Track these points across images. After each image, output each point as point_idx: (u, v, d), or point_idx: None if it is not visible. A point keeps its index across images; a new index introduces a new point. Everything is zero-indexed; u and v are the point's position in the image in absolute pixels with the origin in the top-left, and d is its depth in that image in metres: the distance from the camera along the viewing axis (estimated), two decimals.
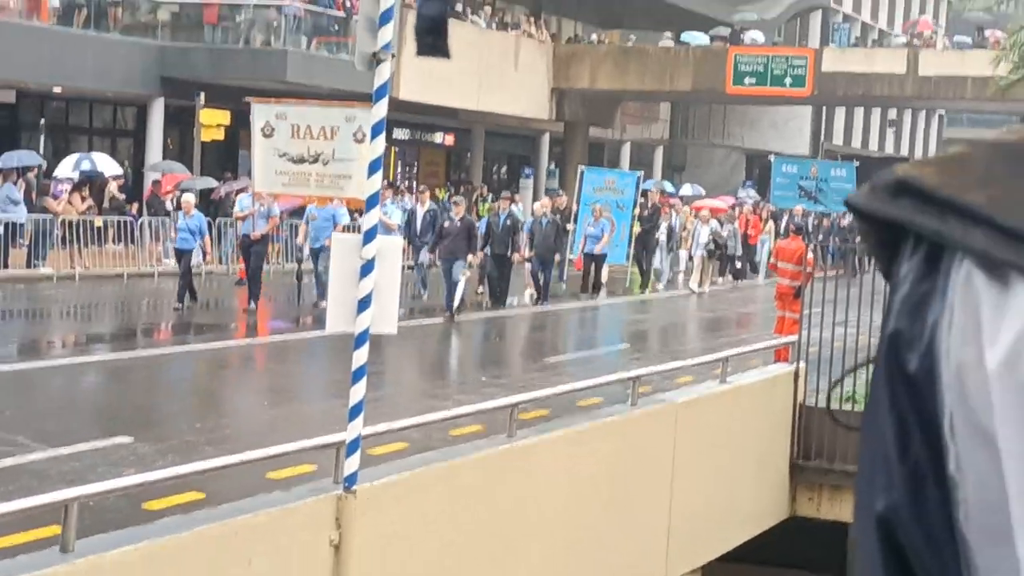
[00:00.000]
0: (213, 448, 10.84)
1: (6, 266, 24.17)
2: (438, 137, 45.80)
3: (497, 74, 39.59)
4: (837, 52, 45.01)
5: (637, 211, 30.53)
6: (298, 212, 26.07)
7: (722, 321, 25.79)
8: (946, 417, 0.79)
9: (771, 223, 37.06)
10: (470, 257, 22.13)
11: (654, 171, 54.01)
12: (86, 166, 29.53)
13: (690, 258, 31.46)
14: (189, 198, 23.14)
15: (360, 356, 7.78)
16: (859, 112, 69.04)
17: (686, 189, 47.20)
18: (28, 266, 24.27)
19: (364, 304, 7.77)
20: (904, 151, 75.57)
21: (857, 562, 0.86)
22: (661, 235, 31.87)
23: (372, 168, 8.05)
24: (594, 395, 13.64)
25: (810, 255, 18.29)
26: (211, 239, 23.39)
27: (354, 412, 7.79)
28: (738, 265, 34.61)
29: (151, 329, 20.52)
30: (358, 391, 7.78)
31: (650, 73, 43.03)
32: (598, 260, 27.89)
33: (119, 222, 26.86)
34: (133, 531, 6.84)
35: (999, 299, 0.78)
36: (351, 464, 7.83)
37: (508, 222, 24.51)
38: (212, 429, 12.12)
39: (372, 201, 8.05)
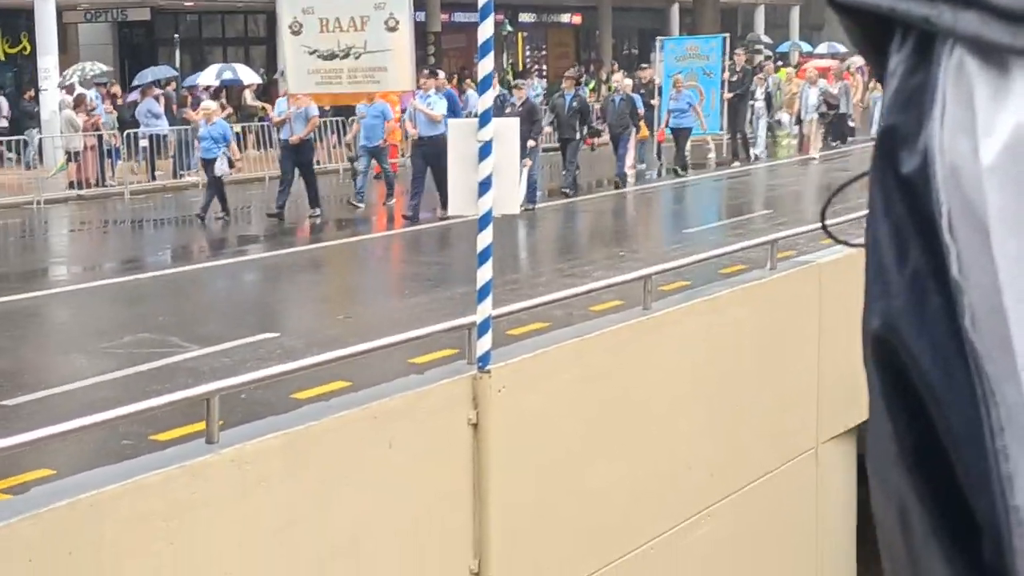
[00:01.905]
0: (358, 338, 11.08)
1: (154, 177, 24.80)
2: (565, 17, 45.39)
3: None
4: None
5: (725, 76, 28.40)
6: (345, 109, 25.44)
7: (832, 188, 24.97)
8: (944, 216, 0.73)
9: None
10: (529, 143, 20.57)
11: (790, 32, 52.89)
12: (228, 75, 30.07)
13: (799, 121, 29.56)
14: (209, 104, 22.15)
15: (485, 238, 7.88)
16: None
17: (822, 48, 46.08)
18: (174, 176, 24.86)
19: (485, 187, 7.85)
20: None
21: (868, 408, 0.82)
22: (759, 102, 29.39)
23: (483, 50, 8.08)
24: (730, 262, 13.57)
25: None
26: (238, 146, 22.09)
27: (483, 293, 7.92)
28: (851, 124, 32.56)
29: (291, 230, 20.64)
30: (485, 272, 7.89)
31: None
32: (682, 134, 25.91)
33: (257, 128, 27.27)
34: (275, 419, 7.07)
35: (995, 87, 0.71)
36: (483, 344, 7.97)
37: (575, 104, 23.18)
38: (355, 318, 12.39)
39: (485, 84, 8.10)
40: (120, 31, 34.52)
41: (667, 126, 25.70)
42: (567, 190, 22.23)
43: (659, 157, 26.24)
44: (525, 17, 41.49)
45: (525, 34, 42.11)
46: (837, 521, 13.14)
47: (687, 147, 26.21)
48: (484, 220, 7.87)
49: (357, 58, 19.15)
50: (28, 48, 30.62)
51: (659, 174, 25.45)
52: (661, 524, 10.08)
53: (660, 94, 26.60)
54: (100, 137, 24.09)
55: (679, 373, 10.25)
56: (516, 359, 8.39)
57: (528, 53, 42.96)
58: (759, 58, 40.94)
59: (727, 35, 29.85)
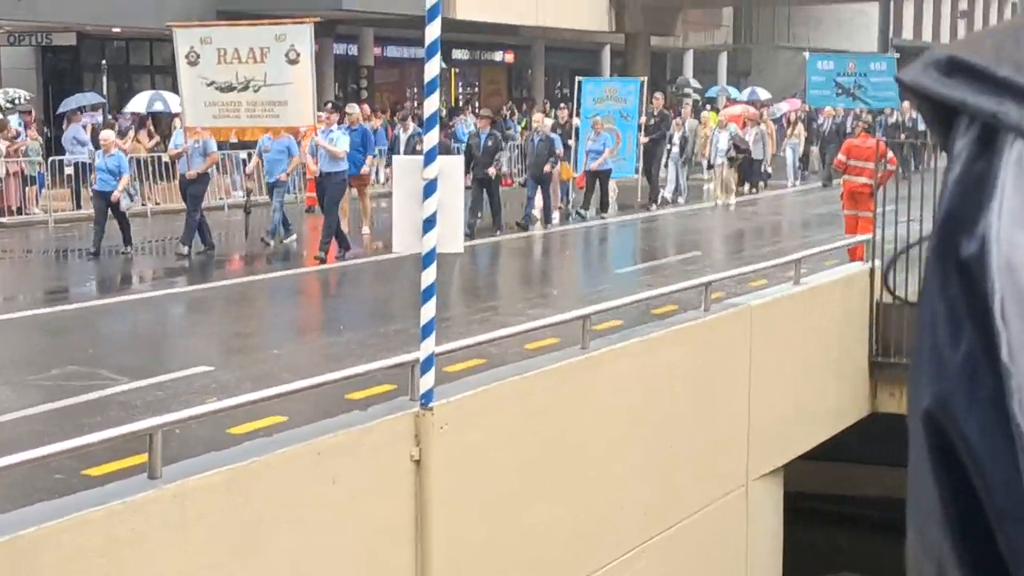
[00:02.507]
0: (291, 373, 11.01)
1: (79, 206, 24.48)
2: (498, 55, 45.64)
3: None
4: None
5: (643, 120, 27.69)
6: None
7: (746, 233, 24.32)
8: (997, 302, 0.76)
9: (800, 126, 34.74)
10: (491, 171, 20.50)
11: (719, 77, 53.50)
12: (158, 106, 29.80)
13: (709, 167, 29.10)
14: (108, 134, 20.68)
15: (429, 275, 7.87)
16: (928, 4, 67.88)
17: (744, 95, 46.60)
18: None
19: (429, 224, 7.84)
20: None
21: (909, 465, 0.83)
22: (674, 146, 28.82)
23: (429, 89, 8.08)
24: (662, 303, 13.64)
25: (891, 154, 18.02)
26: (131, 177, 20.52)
27: (426, 330, 7.90)
28: (769, 171, 32.21)
29: (221, 261, 20.28)
30: (429, 309, 7.88)
31: None
32: (602, 176, 25.34)
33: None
34: (218, 455, 7.00)
35: None
36: (426, 381, 7.95)
37: (489, 143, 22.58)
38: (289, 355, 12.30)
39: (431, 123, 8.10)
40: (44, 55, 34.18)
41: (587, 169, 25.20)
42: (468, 228, 20.95)
43: (568, 200, 25.73)
44: (459, 54, 41.67)
45: (458, 71, 42.27)
46: (765, 556, 13.28)
47: (610, 188, 26.05)
48: (428, 257, 7.86)
49: (256, 91, 18.59)
50: None
51: (568, 216, 24.85)
52: (598, 560, 10.11)
53: (577, 135, 26.01)
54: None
55: (616, 412, 10.30)
56: (458, 396, 8.38)
57: (461, 90, 43.11)
58: (688, 102, 41.33)
59: (644, 78, 29.32)
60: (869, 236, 15.48)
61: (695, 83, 50.59)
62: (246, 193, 22.42)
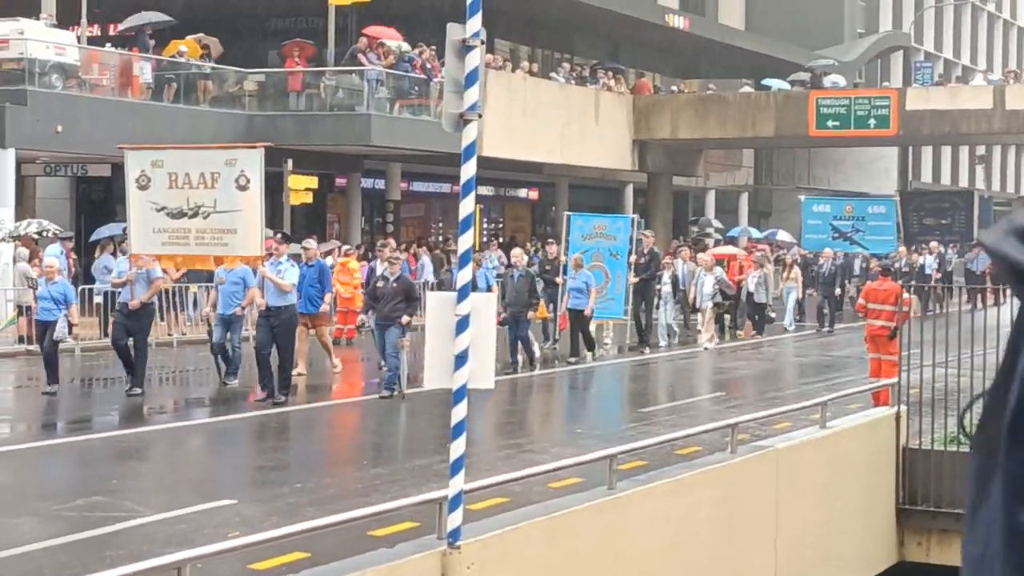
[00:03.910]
0: (315, 509, 10.95)
1: (106, 334, 24.55)
2: (522, 192, 46.06)
3: (579, 128, 39.74)
4: (921, 91, 44.67)
5: (633, 259, 26.44)
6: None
7: (747, 378, 23.25)
8: None
9: (797, 270, 33.21)
10: (405, 319, 18.43)
11: (740, 218, 53.85)
12: None
13: (695, 310, 28.15)
14: (52, 262, 19.46)
15: (460, 411, 7.85)
16: (947, 149, 68.43)
17: (765, 235, 46.82)
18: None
19: (461, 360, 7.85)
20: (995, 187, 74.74)
21: None
22: (666, 286, 27.65)
23: (464, 225, 8.14)
24: (684, 444, 13.55)
25: (906, 296, 18.06)
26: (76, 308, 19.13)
27: (455, 467, 7.86)
28: (772, 315, 30.59)
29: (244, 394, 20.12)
30: (458, 446, 7.85)
31: (731, 120, 42.97)
32: (581, 316, 23.66)
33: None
34: None
35: None
36: (454, 519, 7.89)
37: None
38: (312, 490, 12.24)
39: (465, 259, 8.14)
40: (79, 186, 34.59)
41: (567, 307, 24.01)
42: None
43: (554, 340, 25.07)
44: (484, 190, 42.04)
45: (483, 207, 42.61)
46: None
47: (605, 329, 25.31)
48: (459, 393, 7.86)
49: (206, 218, 17.81)
50: None
51: (554, 360, 24.03)
52: None
53: (565, 272, 24.92)
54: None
55: (643, 553, 10.20)
56: (486, 535, 8.32)
57: (485, 225, 43.44)
58: (710, 242, 41.47)
59: (635, 216, 28.51)
60: (894, 380, 15.43)
61: (717, 223, 50.89)
62: (209, 333, 20.75)
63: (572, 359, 23.55)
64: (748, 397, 19.87)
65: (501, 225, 45.41)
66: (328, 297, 20.68)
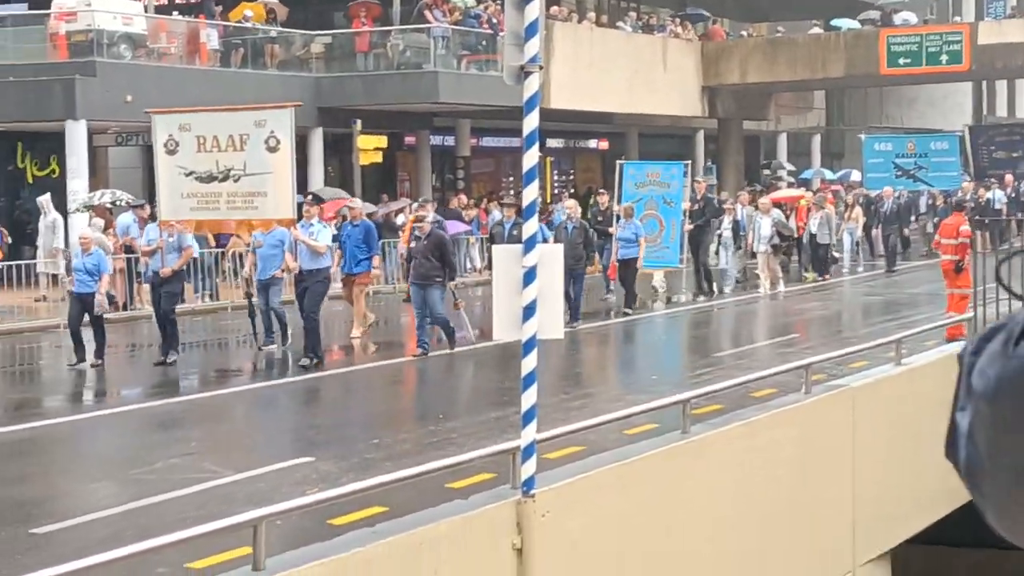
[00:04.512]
0: (392, 463, 11.06)
1: (183, 300, 24.83)
2: (592, 143, 45.89)
3: (647, 76, 39.50)
4: (993, 24, 43.90)
5: (686, 206, 26.04)
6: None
7: (797, 325, 22.42)
8: None
9: (858, 209, 32.51)
10: (451, 285, 18.18)
11: (812, 160, 53.34)
12: None
13: (752, 255, 27.12)
14: (87, 233, 19.34)
15: (529, 362, 7.88)
16: (1022, 83, 67.26)
17: (838, 176, 46.26)
18: (209, 299, 24.84)
19: (529, 312, 7.87)
20: None
21: None
22: (725, 231, 27.09)
23: (528, 178, 8.14)
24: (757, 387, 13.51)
25: (966, 227, 18.03)
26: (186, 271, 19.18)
27: (527, 418, 7.90)
28: (835, 255, 30.15)
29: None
30: (530, 397, 7.88)
31: (801, 62, 42.48)
32: (629, 265, 23.36)
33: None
34: (321, 547, 7.02)
35: None
36: (528, 469, 7.94)
37: (515, 232, 20.17)
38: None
39: (530, 211, 8.14)
40: (149, 155, 34.88)
41: (616, 258, 23.65)
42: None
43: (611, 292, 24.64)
44: (553, 142, 41.95)
45: (553, 159, 42.52)
46: None
47: (658, 279, 24.94)
48: (528, 345, 7.88)
49: (236, 181, 17.45)
50: (57, 171, 30.96)
51: (611, 313, 23.51)
52: None
53: (618, 222, 24.37)
54: (129, 260, 24.19)
55: (718, 496, 10.20)
56: (559, 483, 8.36)
57: (556, 177, 43.36)
58: (782, 185, 41.04)
59: (688, 162, 27.80)
60: (969, 315, 15.30)
61: (789, 166, 50.46)
62: (247, 296, 20.38)
63: (627, 310, 23.16)
64: (820, 338, 19.74)
65: (572, 177, 45.30)
66: (376, 260, 20.26)
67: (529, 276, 7.89)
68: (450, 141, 39.61)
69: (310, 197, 19.07)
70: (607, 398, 14.42)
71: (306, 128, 33.60)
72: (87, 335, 17.76)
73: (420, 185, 37.94)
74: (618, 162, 27.18)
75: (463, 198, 34.70)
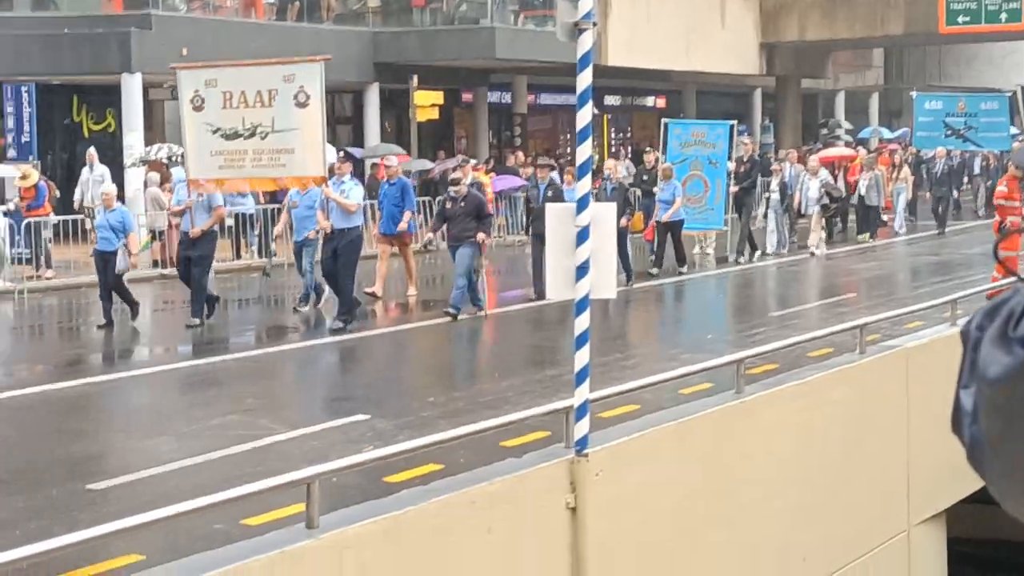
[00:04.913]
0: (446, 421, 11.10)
1: (238, 256, 24.97)
2: (649, 100, 45.66)
3: (704, 33, 39.23)
4: None
5: (731, 166, 25.43)
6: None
7: (847, 285, 22.11)
8: None
9: (906, 169, 31.96)
10: (481, 236, 17.93)
11: (870, 118, 52.87)
12: None
13: (800, 216, 26.71)
14: (110, 189, 18.86)
15: (582, 322, 7.88)
16: None
17: (888, 134, 45.73)
18: (260, 255, 24.94)
19: (582, 271, 7.86)
20: None
21: None
22: (773, 192, 26.33)
23: (582, 136, 8.11)
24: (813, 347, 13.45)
25: (1002, 188, 17.95)
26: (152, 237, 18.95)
27: (580, 377, 7.90)
28: (885, 218, 29.76)
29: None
30: (583, 356, 7.88)
31: (860, 20, 42.02)
32: (673, 229, 22.97)
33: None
34: (375, 504, 7.06)
35: None
36: (581, 428, 7.94)
37: (549, 193, 20.07)
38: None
39: (584, 169, 8.11)
40: None
41: (656, 220, 23.13)
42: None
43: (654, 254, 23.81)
44: (611, 100, 41.80)
45: (610, 116, 42.36)
46: None
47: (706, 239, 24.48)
48: (581, 304, 7.87)
49: (263, 138, 16.97)
50: (113, 125, 31.13)
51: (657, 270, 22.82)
52: None
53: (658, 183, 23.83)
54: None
55: (773, 456, 10.18)
56: (613, 442, 8.36)
57: (613, 135, 43.20)
58: (840, 144, 40.63)
59: (735, 121, 27.06)
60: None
61: (847, 124, 49.99)
62: (268, 256, 20.06)
63: (682, 269, 22.85)
64: (872, 299, 19.57)
65: (629, 134, 45.13)
66: (407, 215, 19.88)
67: (582, 235, 7.87)
68: (507, 98, 39.54)
69: (342, 154, 18.61)
70: (662, 357, 14.39)
71: (362, 84, 33.67)
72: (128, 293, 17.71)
73: (477, 142, 37.92)
74: (663, 121, 26.78)
75: (520, 155, 34.64)
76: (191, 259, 17.45)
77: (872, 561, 11.72)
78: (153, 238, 24.32)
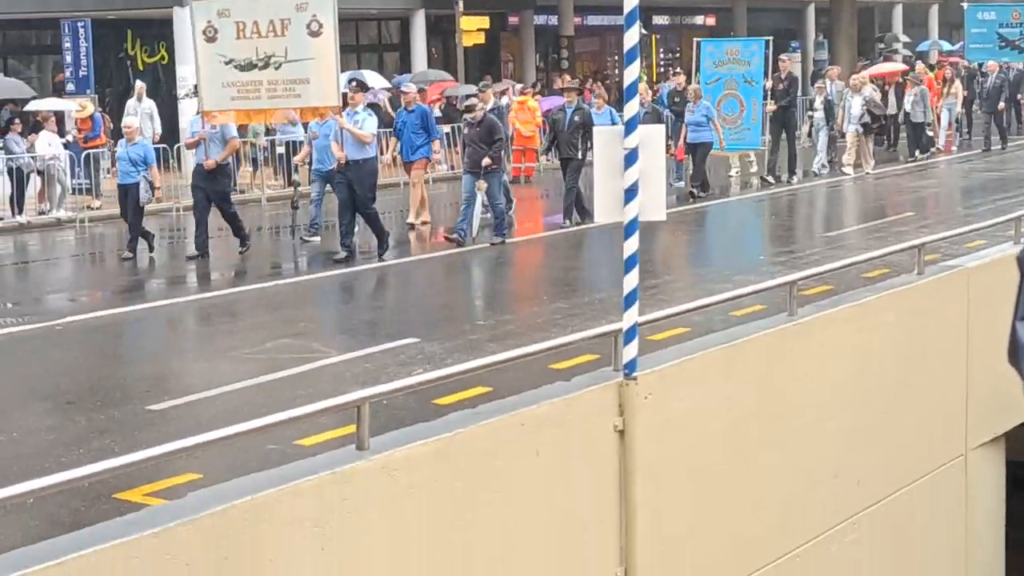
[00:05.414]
0: (496, 344, 11.11)
1: (291, 183, 24.95)
2: (699, 19, 45.16)
3: None
4: None
5: (769, 84, 24.60)
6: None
7: (900, 204, 21.65)
8: None
9: (958, 83, 30.91)
10: (486, 161, 17.52)
11: (929, 31, 52.00)
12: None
13: (841, 135, 25.80)
14: (131, 122, 18.59)
15: (631, 245, 7.81)
16: None
17: (948, 47, 44.83)
18: (309, 181, 24.86)
19: (630, 194, 7.78)
20: None
21: None
22: (817, 112, 25.84)
23: (629, 57, 7.99)
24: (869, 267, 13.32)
25: None
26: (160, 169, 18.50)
27: (629, 300, 7.85)
28: (930, 134, 28.78)
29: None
30: (631, 279, 7.82)
31: None
32: (700, 149, 22.57)
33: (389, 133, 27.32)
34: (424, 427, 7.07)
35: None
36: (629, 351, 7.91)
37: (577, 118, 19.73)
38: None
39: (631, 91, 8.00)
40: None
41: (685, 141, 22.82)
42: (569, 220, 19.27)
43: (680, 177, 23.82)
44: (659, 20, 41.36)
45: (659, 36, 41.92)
46: (986, 529, 12.88)
47: (706, 164, 23.54)
48: (631, 227, 7.80)
49: (277, 68, 16.88)
50: (166, 57, 31.19)
51: (677, 198, 22.14)
52: (808, 532, 9.94)
53: (688, 105, 23.30)
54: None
55: (827, 379, 10.10)
56: (662, 366, 8.32)
57: (662, 56, 42.79)
58: (897, 58, 39.89)
59: (770, 38, 26.03)
60: None
61: (904, 38, 49.18)
62: (294, 186, 19.98)
63: (693, 190, 22.42)
64: (930, 217, 19.36)
65: (678, 55, 44.71)
66: (436, 144, 19.51)
67: (631, 158, 7.79)
68: (553, 21, 39.22)
69: (354, 84, 18.29)
70: (713, 279, 14.30)
71: (408, 10, 33.50)
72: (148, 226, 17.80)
73: (524, 66, 37.69)
74: (696, 40, 26.19)
75: (567, 78, 34.41)
76: (206, 194, 17.40)
77: (928, 485, 11.65)
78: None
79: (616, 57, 41.34)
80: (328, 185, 18.28)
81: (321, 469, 6.27)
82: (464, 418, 7.24)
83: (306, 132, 19.89)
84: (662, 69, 40.44)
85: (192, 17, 17.68)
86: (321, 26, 16.62)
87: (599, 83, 32.70)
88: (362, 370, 10.54)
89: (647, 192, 7.85)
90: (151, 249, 17.74)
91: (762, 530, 9.41)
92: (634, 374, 7.92)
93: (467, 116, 18.24)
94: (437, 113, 26.44)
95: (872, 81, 27.81)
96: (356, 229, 17.11)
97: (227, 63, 17.12)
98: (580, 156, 19.59)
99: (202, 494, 6.02)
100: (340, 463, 6.36)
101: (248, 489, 5.97)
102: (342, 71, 31.11)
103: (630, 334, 7.87)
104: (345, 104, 17.43)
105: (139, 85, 26.60)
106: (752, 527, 9.28)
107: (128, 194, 17.48)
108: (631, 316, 7.83)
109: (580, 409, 7.68)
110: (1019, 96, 32.80)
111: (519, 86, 31.44)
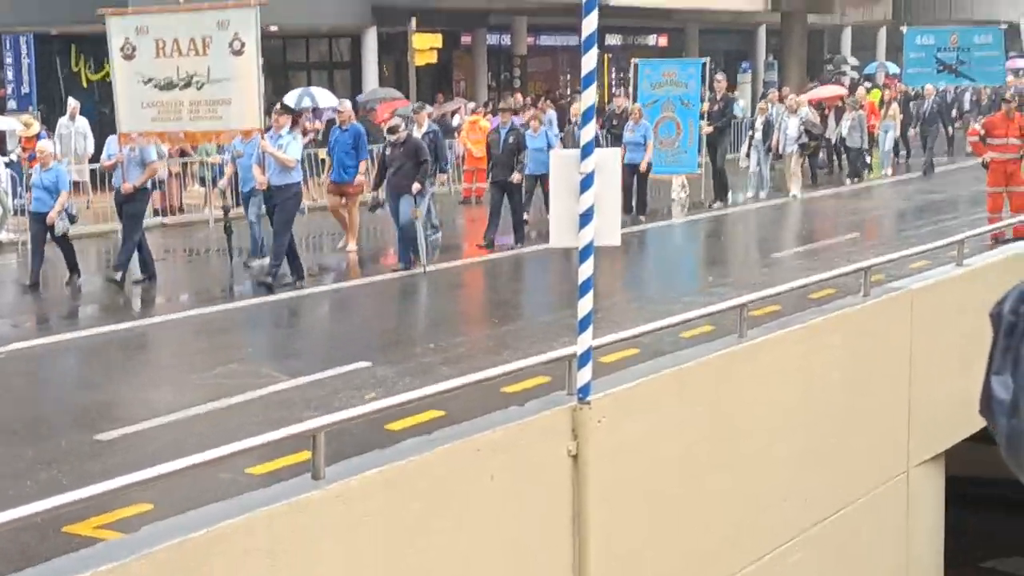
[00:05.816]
0: (449, 367, 11.12)
1: (238, 205, 24.77)
2: (651, 39, 45.38)
3: None
4: None
5: (705, 107, 24.44)
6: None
7: (845, 226, 21.50)
8: None
9: (895, 107, 30.96)
10: (415, 187, 17.08)
11: (878, 53, 52.52)
12: (306, 102, 30.18)
13: (777, 156, 25.82)
14: (46, 146, 17.83)
15: (586, 269, 7.85)
16: None
17: (894, 69, 45.28)
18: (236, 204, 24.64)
19: (586, 218, 7.82)
20: None
21: None
22: (757, 132, 25.72)
23: (586, 81, 8.03)
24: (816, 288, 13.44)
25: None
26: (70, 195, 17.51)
27: (583, 324, 7.89)
28: (868, 160, 28.87)
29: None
30: (586, 303, 7.86)
31: None
32: (639, 173, 22.33)
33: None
34: (378, 454, 7.07)
35: None
36: (584, 375, 7.95)
37: (511, 140, 19.40)
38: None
39: (588, 115, 8.05)
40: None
41: (624, 162, 21.75)
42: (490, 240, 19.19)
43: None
44: (611, 39, 41.52)
45: (611, 56, 42.10)
46: (926, 543, 13.13)
47: (678, 184, 23.73)
48: (586, 251, 7.84)
49: (199, 88, 16.21)
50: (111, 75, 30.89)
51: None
52: (758, 550, 10.06)
53: (627, 124, 23.02)
54: (184, 164, 24.20)
55: (776, 400, 10.21)
56: (615, 389, 8.37)
57: (614, 75, 42.96)
58: (845, 80, 40.22)
59: (707, 59, 25.83)
60: None
61: (853, 60, 49.68)
62: (223, 210, 19.05)
63: (641, 217, 22.23)
64: (875, 239, 19.50)
65: (631, 75, 44.90)
66: (363, 166, 19.11)
67: (587, 182, 7.83)
68: (507, 40, 39.32)
69: (278, 107, 17.77)
70: (666, 300, 14.37)
71: (360, 27, 33.47)
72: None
73: (476, 85, 37.74)
74: (634, 61, 26.06)
75: (519, 97, 34.51)
76: (121, 214, 16.90)
77: (872, 502, 11.81)
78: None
79: (568, 76, 41.49)
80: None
81: (277, 500, 6.27)
82: (419, 445, 7.25)
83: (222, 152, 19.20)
84: (614, 90, 40.59)
85: (108, 33, 16.82)
86: (243, 45, 16.02)
87: (548, 102, 32.70)
88: (314, 395, 10.52)
89: (602, 216, 7.89)
90: (78, 276, 16.98)
91: (714, 550, 9.50)
92: (588, 398, 7.96)
93: (390, 136, 17.62)
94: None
95: (812, 105, 27.91)
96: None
97: (146, 82, 16.48)
98: (514, 180, 19.33)
99: (157, 527, 5.99)
100: (295, 493, 6.36)
101: (203, 521, 5.95)
102: (293, 88, 31.04)
103: (584, 358, 7.91)
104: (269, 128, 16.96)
105: (72, 103, 26.03)
106: (704, 547, 9.37)
107: (40, 223, 16.65)
108: (585, 340, 7.87)
109: (534, 434, 7.71)
110: (952, 120, 33.07)
111: (471, 105, 31.47)
